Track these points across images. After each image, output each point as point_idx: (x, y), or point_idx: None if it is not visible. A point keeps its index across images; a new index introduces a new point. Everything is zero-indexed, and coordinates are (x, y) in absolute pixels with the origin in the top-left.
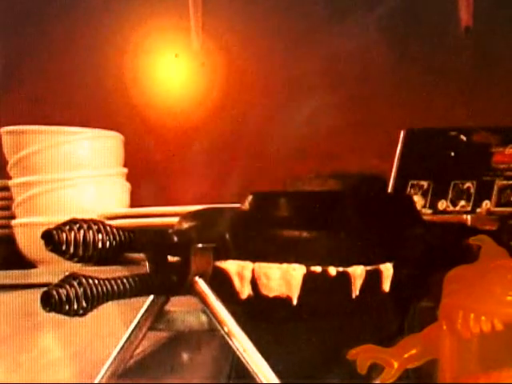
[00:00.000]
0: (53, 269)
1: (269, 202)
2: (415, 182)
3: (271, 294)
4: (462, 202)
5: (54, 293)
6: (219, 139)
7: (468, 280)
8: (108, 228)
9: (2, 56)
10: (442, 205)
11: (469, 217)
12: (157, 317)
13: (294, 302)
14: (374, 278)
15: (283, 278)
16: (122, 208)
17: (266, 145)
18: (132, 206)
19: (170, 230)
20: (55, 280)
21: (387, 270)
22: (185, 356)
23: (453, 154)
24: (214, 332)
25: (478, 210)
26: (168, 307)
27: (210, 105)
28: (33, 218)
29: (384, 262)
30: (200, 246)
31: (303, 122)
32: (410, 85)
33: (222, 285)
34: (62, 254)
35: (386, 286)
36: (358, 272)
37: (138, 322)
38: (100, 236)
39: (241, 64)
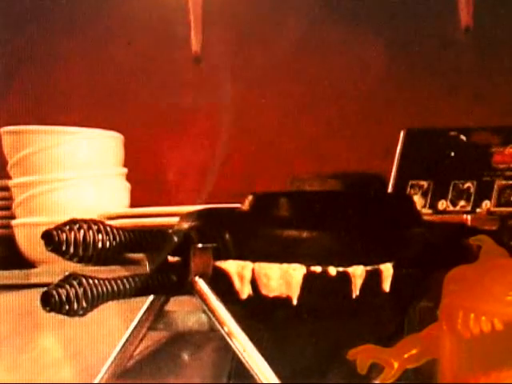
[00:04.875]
0: (53, 269)
1: (269, 202)
2: (415, 182)
3: (271, 294)
4: (462, 202)
5: (54, 293)
6: (219, 139)
7: (468, 280)
8: (108, 228)
9: (3, 56)
10: (442, 205)
11: (469, 217)
12: (157, 317)
13: (294, 302)
14: (374, 278)
15: (283, 278)
16: (122, 208)
17: (267, 145)
18: (132, 206)
19: (170, 230)
20: (55, 280)
21: (387, 270)
22: (185, 356)
23: (453, 154)
24: (214, 332)
25: (478, 210)
26: (168, 307)
27: (209, 105)
28: (33, 218)
29: (384, 262)
30: (200, 245)
31: (303, 122)
32: (409, 85)
33: (222, 285)
34: (62, 254)
35: (386, 286)
36: (358, 272)
37: (138, 322)
38: (100, 236)
39: (240, 64)
